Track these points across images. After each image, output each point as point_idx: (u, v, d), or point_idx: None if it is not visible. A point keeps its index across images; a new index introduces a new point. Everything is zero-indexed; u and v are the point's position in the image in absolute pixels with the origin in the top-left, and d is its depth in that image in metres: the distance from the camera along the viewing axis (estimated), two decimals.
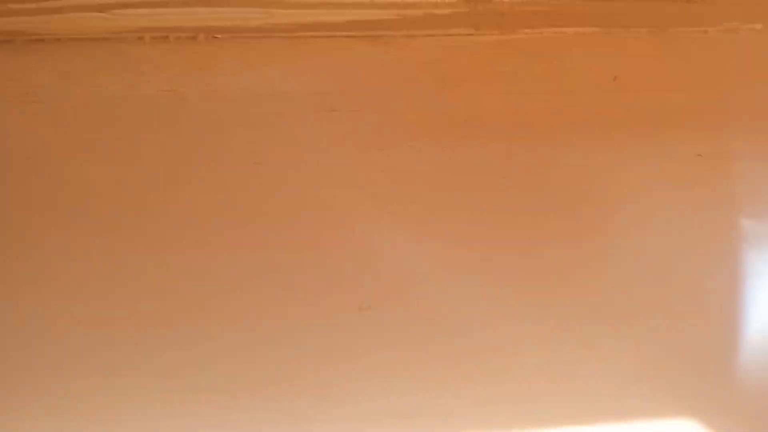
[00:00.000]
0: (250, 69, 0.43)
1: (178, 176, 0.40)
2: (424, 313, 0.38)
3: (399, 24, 0.44)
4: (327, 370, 0.37)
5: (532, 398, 0.38)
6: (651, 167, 0.42)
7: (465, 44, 0.45)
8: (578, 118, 0.43)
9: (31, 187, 0.40)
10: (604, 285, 0.40)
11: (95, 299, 0.38)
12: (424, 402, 0.37)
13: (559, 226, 0.40)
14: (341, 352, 0.37)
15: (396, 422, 0.37)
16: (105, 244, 0.38)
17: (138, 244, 0.38)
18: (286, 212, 0.39)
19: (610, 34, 0.45)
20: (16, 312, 0.37)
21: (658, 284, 0.40)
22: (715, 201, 0.42)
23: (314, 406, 0.37)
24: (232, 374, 0.37)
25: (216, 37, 0.44)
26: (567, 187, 0.41)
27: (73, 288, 0.38)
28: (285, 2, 0.43)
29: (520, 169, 0.42)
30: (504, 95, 0.43)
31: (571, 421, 0.38)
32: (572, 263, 0.40)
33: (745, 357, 0.39)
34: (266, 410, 0.37)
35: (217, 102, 0.41)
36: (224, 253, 0.39)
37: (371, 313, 0.38)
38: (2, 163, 0.40)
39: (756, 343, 0.40)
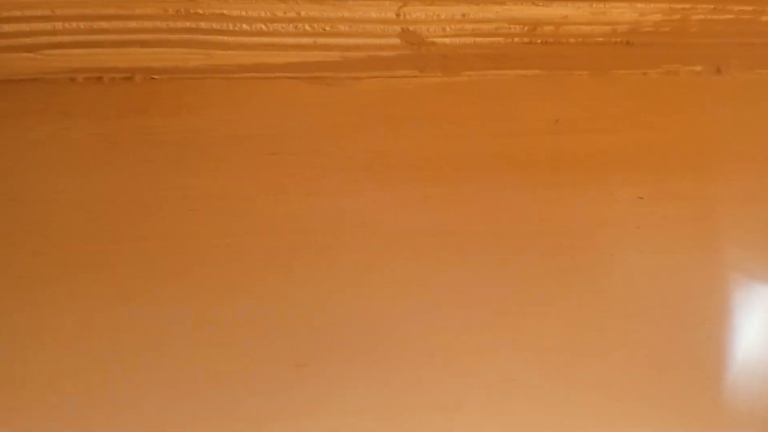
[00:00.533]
0: (189, 111, 0.42)
1: (107, 226, 0.38)
2: (365, 369, 0.37)
3: (342, 66, 0.44)
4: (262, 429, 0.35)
5: None
6: (594, 210, 0.42)
7: (409, 86, 0.45)
8: (521, 161, 0.43)
9: None
10: (542, 330, 0.39)
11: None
12: None
13: (501, 269, 0.40)
14: (275, 412, 0.36)
15: None
16: (24, 296, 0.36)
17: (59, 296, 0.36)
18: (220, 262, 0.38)
19: (552, 76, 0.46)
20: None
21: (598, 323, 0.40)
22: (657, 244, 0.42)
23: None
24: None
25: (153, 78, 0.43)
26: (510, 229, 0.41)
27: None
28: (225, 43, 0.42)
29: (465, 211, 0.41)
30: (448, 137, 0.43)
31: None
32: (512, 307, 0.39)
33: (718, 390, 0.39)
34: None
35: (151, 146, 0.40)
36: (153, 305, 0.37)
37: (307, 370, 0.37)
38: None
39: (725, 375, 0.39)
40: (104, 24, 0.40)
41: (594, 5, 0.43)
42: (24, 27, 0.40)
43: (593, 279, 0.41)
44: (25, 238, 0.37)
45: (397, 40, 0.43)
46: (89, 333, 0.36)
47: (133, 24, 0.41)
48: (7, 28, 0.40)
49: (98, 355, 0.36)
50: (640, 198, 0.43)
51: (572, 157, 0.43)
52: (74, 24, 0.40)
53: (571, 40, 0.44)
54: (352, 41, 0.43)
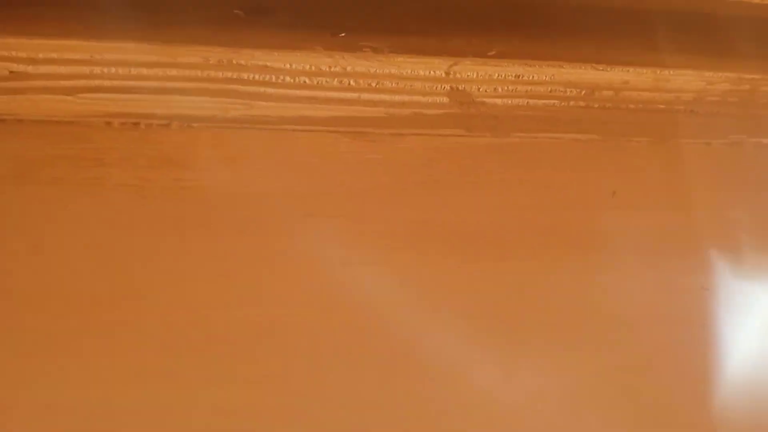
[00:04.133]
0: (225, 163, 0.40)
1: (129, 289, 0.36)
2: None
3: (387, 122, 0.42)
4: None
5: None
6: (654, 300, 0.39)
7: (455, 145, 0.43)
8: (573, 238, 0.40)
9: None
10: (588, 420, 0.36)
11: None
12: None
13: (546, 362, 0.37)
14: None
15: None
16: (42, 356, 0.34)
17: (73, 365, 0.34)
18: (248, 337, 0.36)
19: (609, 142, 0.43)
20: None
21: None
22: (724, 342, 0.38)
23: None
24: None
25: (191, 126, 0.42)
26: (558, 318, 0.38)
27: None
28: (267, 94, 0.41)
29: (508, 293, 0.38)
30: (494, 207, 0.40)
31: None
32: (558, 396, 0.36)
33: None
34: None
35: (183, 201, 0.38)
36: (174, 384, 0.35)
37: None
38: None
39: None
40: (144, 70, 0.39)
41: (658, 72, 0.41)
42: (62, 69, 0.39)
43: (656, 379, 0.38)
44: (47, 292, 0.36)
45: (445, 99, 0.41)
46: (97, 408, 0.34)
47: (173, 72, 0.39)
48: (45, 69, 0.39)
49: None
50: (705, 289, 0.39)
51: (629, 237, 0.40)
52: (113, 69, 0.39)
53: (631, 106, 0.42)
54: (398, 98, 0.41)
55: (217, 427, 0.34)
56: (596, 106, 0.42)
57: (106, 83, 0.40)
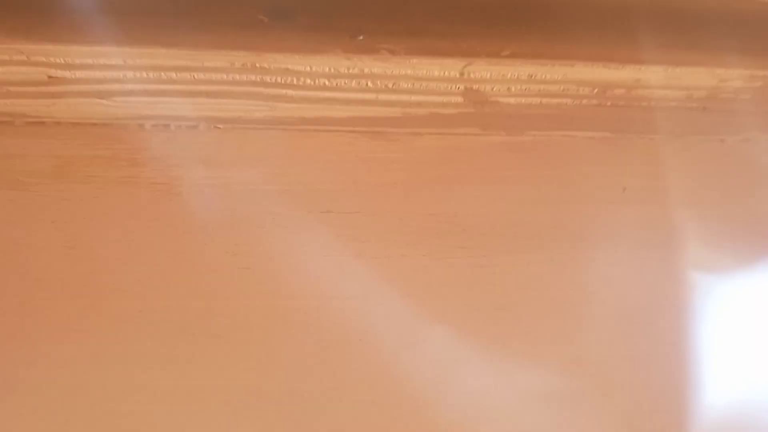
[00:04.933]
0: (249, 162, 0.42)
1: (155, 280, 0.38)
2: None
3: (403, 121, 0.43)
4: None
5: None
6: (667, 293, 0.39)
7: (470, 144, 0.44)
8: (583, 232, 0.41)
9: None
10: (602, 415, 0.37)
11: None
12: None
13: (562, 351, 0.38)
14: None
15: None
16: (68, 347, 0.37)
17: (101, 351, 0.36)
18: (267, 325, 0.37)
19: (622, 139, 0.44)
20: None
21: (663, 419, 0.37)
22: (740, 340, 0.39)
23: None
24: None
25: (218, 127, 0.44)
26: (567, 308, 0.39)
27: None
28: (289, 96, 0.42)
29: (518, 285, 0.39)
30: (506, 202, 0.41)
31: None
32: (570, 391, 0.37)
33: None
34: None
35: (209, 198, 0.40)
36: (197, 368, 0.37)
37: None
38: None
39: None
40: (173, 75, 0.41)
41: (669, 69, 0.41)
42: (97, 74, 0.41)
43: (656, 369, 0.38)
44: (80, 287, 0.38)
45: (459, 98, 0.42)
46: (127, 392, 0.36)
47: (200, 75, 0.41)
48: (81, 74, 0.41)
49: (139, 416, 0.36)
50: (712, 277, 0.40)
51: (639, 231, 0.41)
52: (144, 73, 0.41)
53: (644, 103, 0.43)
54: (414, 98, 0.42)
55: (234, 407, 0.36)
56: (609, 104, 0.43)
57: (138, 87, 0.42)
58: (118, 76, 0.41)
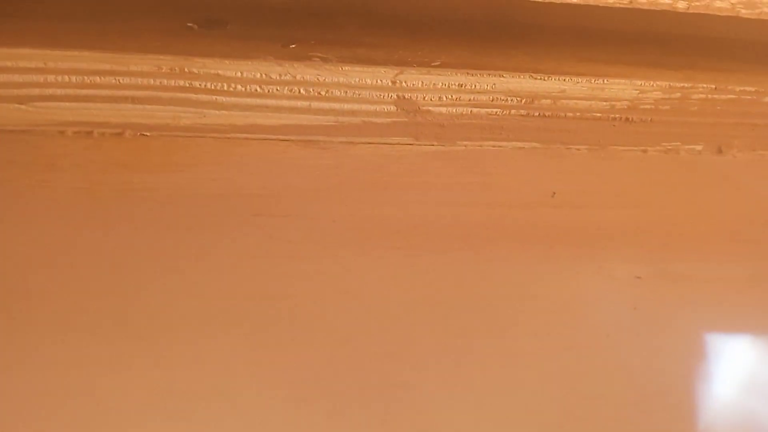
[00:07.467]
0: (176, 169, 0.41)
1: (79, 283, 0.36)
2: None
3: (336, 130, 0.43)
4: None
5: None
6: (589, 287, 0.40)
7: (403, 153, 0.44)
8: (515, 233, 0.41)
9: None
10: (532, 408, 0.37)
11: None
12: None
13: (487, 344, 0.38)
14: None
15: None
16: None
17: (30, 361, 0.34)
18: (196, 327, 0.36)
19: (549, 149, 0.45)
20: None
21: (591, 408, 0.37)
22: (654, 326, 0.40)
23: None
24: None
25: (144, 135, 0.42)
26: (499, 303, 0.39)
27: None
28: (219, 103, 0.42)
29: (452, 282, 0.39)
30: (439, 205, 0.41)
31: None
32: (500, 385, 0.37)
33: None
34: None
35: (133, 202, 0.39)
36: (119, 370, 0.35)
37: None
38: None
39: None
40: (97, 79, 0.40)
41: (593, 81, 0.43)
42: (16, 78, 0.40)
43: (586, 360, 0.39)
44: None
45: (392, 107, 0.43)
46: (70, 399, 0.34)
47: (126, 80, 0.40)
48: None
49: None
50: (638, 278, 0.41)
51: (568, 232, 0.42)
52: (66, 77, 0.40)
53: (569, 114, 0.44)
54: (347, 106, 0.42)
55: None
56: (536, 114, 0.44)
57: (60, 92, 0.40)
58: (39, 79, 0.40)
